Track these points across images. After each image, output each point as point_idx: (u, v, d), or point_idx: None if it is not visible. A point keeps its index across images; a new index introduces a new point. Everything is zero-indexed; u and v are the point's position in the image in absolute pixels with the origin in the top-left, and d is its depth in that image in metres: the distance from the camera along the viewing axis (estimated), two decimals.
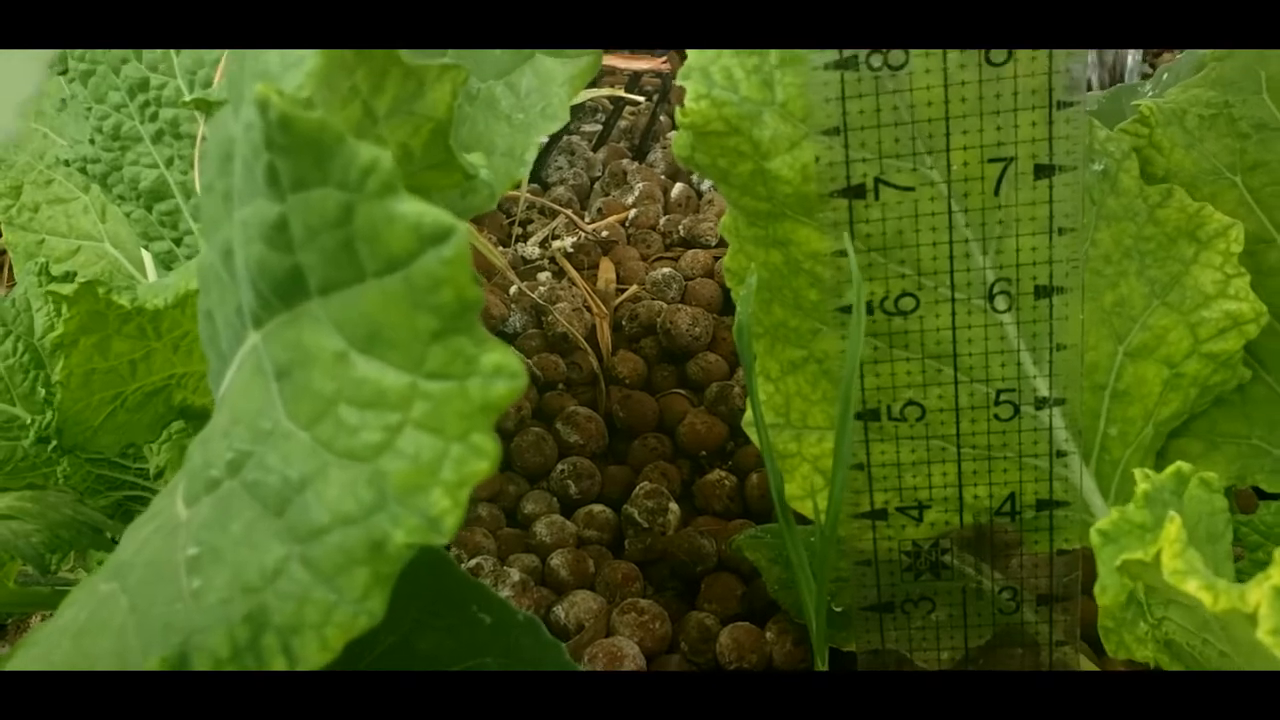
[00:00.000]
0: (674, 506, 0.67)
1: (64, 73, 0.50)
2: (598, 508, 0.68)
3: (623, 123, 1.05)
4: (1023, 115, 0.43)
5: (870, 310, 0.43)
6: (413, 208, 0.24)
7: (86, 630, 0.30)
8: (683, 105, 0.47)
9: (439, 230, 0.24)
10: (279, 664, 0.25)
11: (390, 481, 0.26)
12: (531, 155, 0.45)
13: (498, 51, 0.46)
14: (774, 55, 0.46)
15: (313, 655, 0.25)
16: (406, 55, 0.33)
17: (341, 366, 0.27)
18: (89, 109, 0.50)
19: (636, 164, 0.99)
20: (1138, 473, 0.38)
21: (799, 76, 0.46)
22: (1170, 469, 0.36)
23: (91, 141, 0.51)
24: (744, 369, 0.48)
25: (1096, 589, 0.37)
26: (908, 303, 0.44)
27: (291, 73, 0.29)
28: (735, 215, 0.48)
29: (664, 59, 1.02)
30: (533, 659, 0.41)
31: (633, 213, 0.92)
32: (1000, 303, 0.43)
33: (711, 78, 0.46)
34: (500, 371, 0.26)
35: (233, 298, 0.30)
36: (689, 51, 0.48)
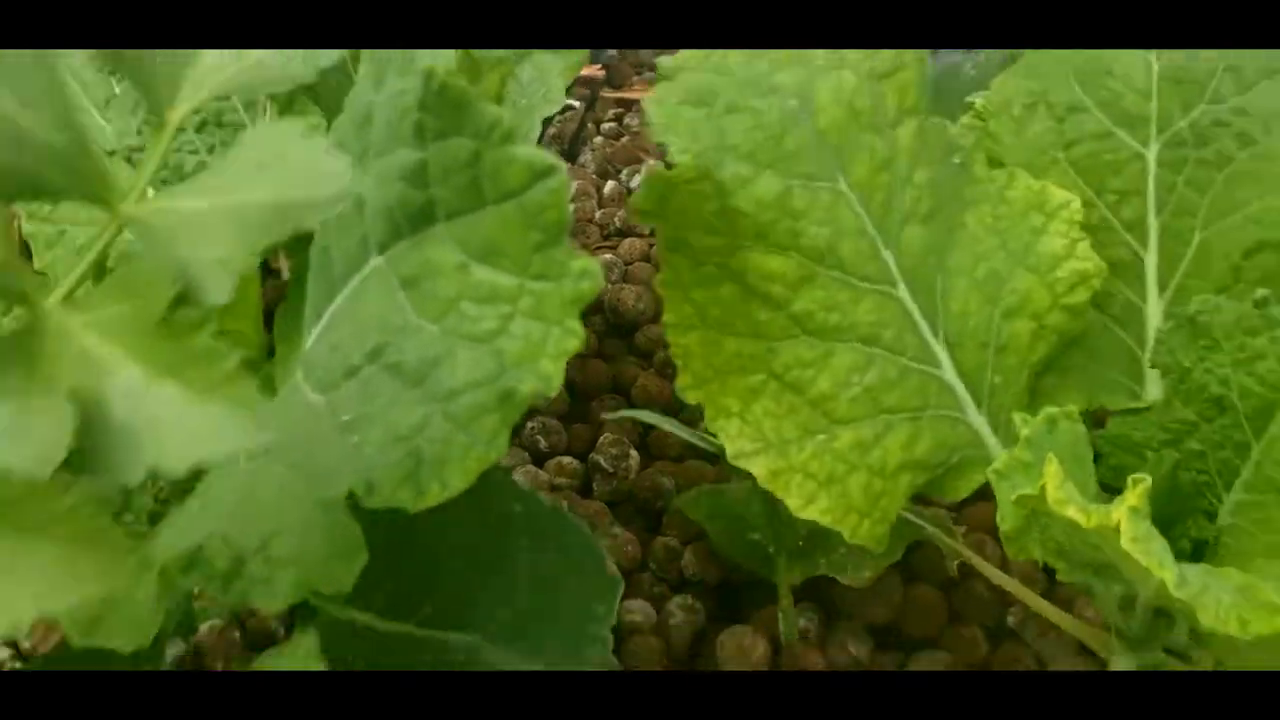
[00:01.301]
0: (634, 454, 0.77)
1: (113, 72, 0.58)
2: (566, 459, 0.77)
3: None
4: (902, 129, 0.51)
5: (813, 315, 0.50)
6: (527, 151, 0.34)
7: (246, 497, 0.38)
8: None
9: (546, 168, 0.34)
10: (434, 490, 0.35)
11: (507, 355, 0.35)
12: (534, 134, 0.54)
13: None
14: (720, 104, 0.51)
15: (457, 482, 0.35)
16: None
17: (462, 274, 0.36)
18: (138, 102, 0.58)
19: (568, 165, 1.09)
20: (1016, 418, 0.47)
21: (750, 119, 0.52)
22: (1042, 414, 0.46)
23: (139, 133, 0.58)
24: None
25: (999, 517, 0.47)
26: (844, 298, 0.52)
27: (439, 59, 0.38)
28: (676, 265, 0.51)
29: (600, 66, 1.12)
30: (558, 542, 0.50)
31: (571, 207, 1.02)
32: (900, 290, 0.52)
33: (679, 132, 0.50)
34: (586, 274, 0.35)
35: (357, 232, 0.39)
36: (651, 112, 0.51)
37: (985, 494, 0.70)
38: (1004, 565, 0.65)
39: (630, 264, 0.94)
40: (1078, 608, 0.61)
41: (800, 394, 0.49)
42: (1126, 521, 0.37)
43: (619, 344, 0.88)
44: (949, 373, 0.52)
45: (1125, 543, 0.37)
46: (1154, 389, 0.54)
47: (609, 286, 0.91)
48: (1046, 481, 0.40)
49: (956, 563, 0.62)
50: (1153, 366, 0.51)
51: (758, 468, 0.49)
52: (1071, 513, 0.39)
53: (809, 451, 0.48)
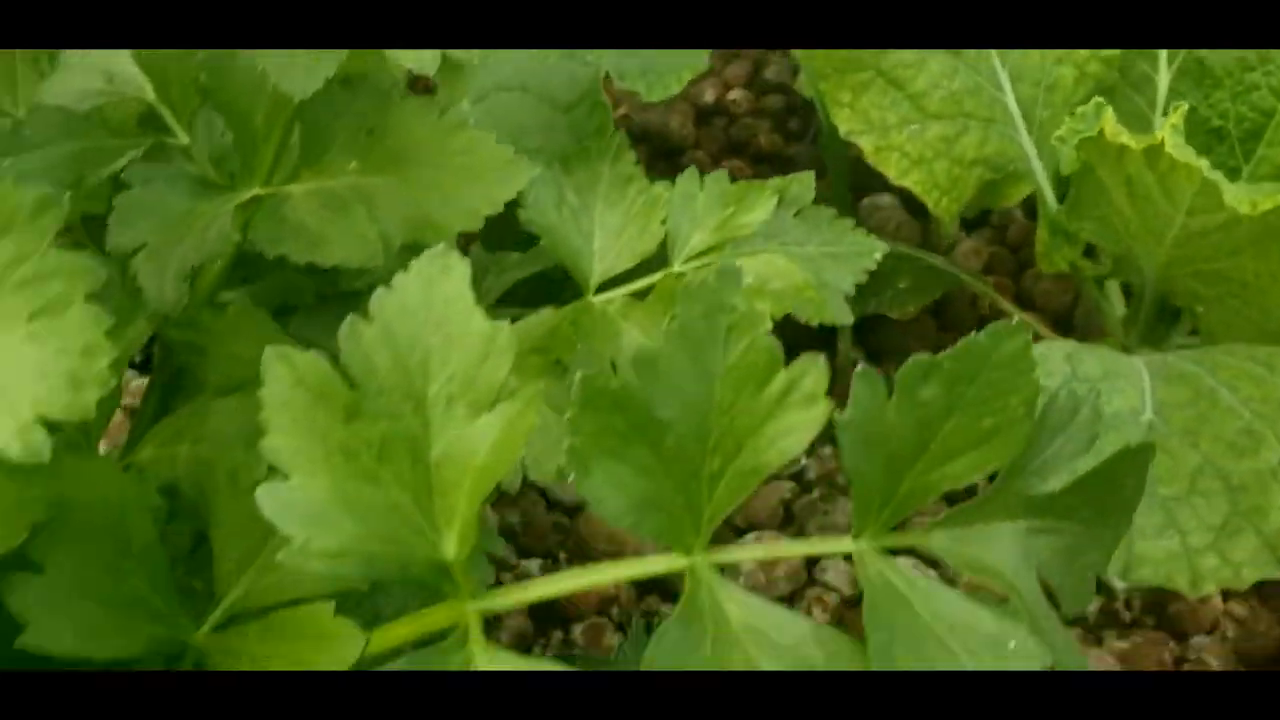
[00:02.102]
0: None
1: None
2: None
3: None
4: None
5: None
6: None
7: (493, 115, 0.48)
8: None
9: None
10: (659, 90, 0.46)
11: None
12: None
13: None
14: None
15: (675, 87, 0.46)
16: None
17: None
18: None
19: None
20: (1068, 117, 0.60)
21: None
22: (1093, 101, 0.58)
23: None
24: None
25: (1061, 167, 0.59)
26: None
27: None
28: None
29: None
30: None
31: None
32: None
33: None
34: None
35: None
36: None
37: (1001, 268, 0.83)
38: None
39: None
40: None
41: (901, 90, 0.61)
42: (1169, 135, 0.49)
43: (666, 167, 0.98)
44: (1010, 99, 0.64)
45: (1170, 148, 0.49)
46: None
47: (653, 112, 1.01)
48: (1104, 123, 0.52)
49: (988, 302, 0.74)
50: (1163, 115, 0.64)
51: (865, 144, 0.62)
52: (1124, 139, 0.51)
53: (905, 136, 0.61)
